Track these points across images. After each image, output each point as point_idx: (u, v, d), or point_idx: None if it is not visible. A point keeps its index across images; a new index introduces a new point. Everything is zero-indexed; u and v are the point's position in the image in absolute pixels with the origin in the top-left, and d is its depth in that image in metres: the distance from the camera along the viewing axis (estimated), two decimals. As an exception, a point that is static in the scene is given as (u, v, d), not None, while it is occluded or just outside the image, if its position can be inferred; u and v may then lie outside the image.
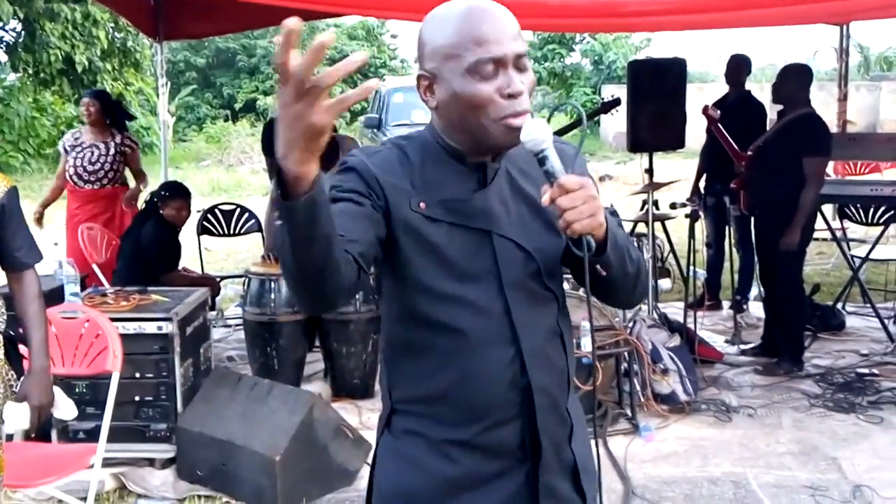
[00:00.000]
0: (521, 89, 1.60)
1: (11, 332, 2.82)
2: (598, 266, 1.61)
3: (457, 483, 1.72)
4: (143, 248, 5.39)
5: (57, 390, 3.05)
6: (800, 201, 5.28)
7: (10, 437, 3.56)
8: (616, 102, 6.60)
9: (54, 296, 4.33)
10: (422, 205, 1.65)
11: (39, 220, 6.36)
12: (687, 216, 6.00)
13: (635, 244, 1.74)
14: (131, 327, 4.19)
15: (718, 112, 6.15)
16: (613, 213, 1.87)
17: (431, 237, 1.65)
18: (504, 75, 1.59)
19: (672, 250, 7.15)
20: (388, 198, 1.64)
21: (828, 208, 7.20)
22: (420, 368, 1.72)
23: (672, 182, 6.57)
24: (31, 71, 18.74)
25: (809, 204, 5.33)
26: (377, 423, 1.85)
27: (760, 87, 12.50)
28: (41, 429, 3.70)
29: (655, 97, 6.17)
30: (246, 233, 7.55)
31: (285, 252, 1.42)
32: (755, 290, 6.85)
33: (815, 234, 5.89)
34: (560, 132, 7.21)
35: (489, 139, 1.63)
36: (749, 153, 5.70)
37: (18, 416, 2.76)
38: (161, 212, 5.44)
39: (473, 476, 1.72)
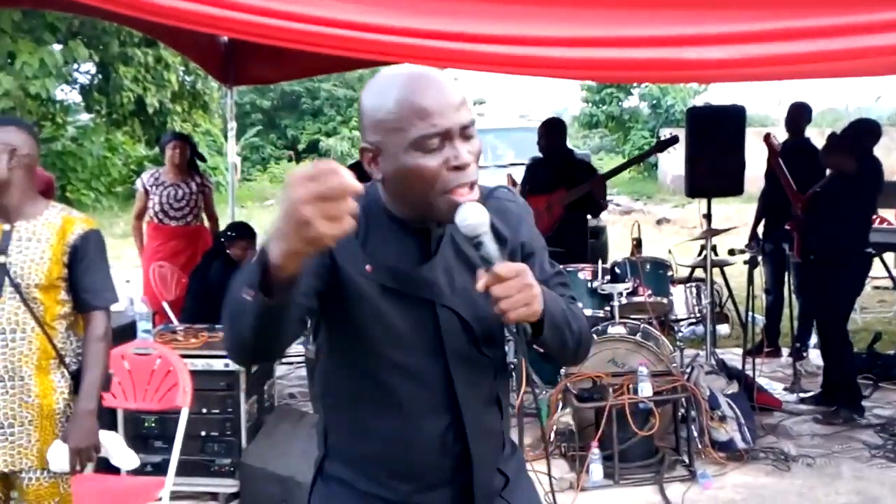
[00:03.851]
0: (468, 160, 1.56)
1: None
2: (534, 345, 1.63)
3: None
4: (211, 286, 5.53)
5: (118, 439, 3.13)
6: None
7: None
8: (673, 140, 6.64)
9: (126, 332, 4.51)
10: (368, 268, 1.64)
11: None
12: (745, 262, 6.00)
13: (577, 312, 1.75)
14: (199, 364, 4.32)
15: (780, 143, 6.14)
16: (559, 273, 1.82)
17: (376, 302, 1.64)
18: (450, 147, 1.55)
19: (730, 296, 7.12)
20: (336, 255, 1.61)
21: (889, 256, 7.12)
22: (356, 421, 1.74)
23: (730, 228, 6.58)
24: (104, 112, 19.35)
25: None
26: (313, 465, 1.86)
27: (821, 132, 12.39)
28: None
29: (714, 143, 6.21)
30: (308, 272, 7.71)
31: (244, 323, 1.45)
32: (815, 338, 6.79)
33: (877, 283, 5.85)
34: (617, 170, 7.30)
35: (434, 213, 1.60)
36: (806, 197, 5.71)
37: (59, 457, 2.81)
38: (227, 251, 5.61)
39: None
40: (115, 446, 3.07)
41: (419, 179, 1.55)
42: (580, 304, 1.87)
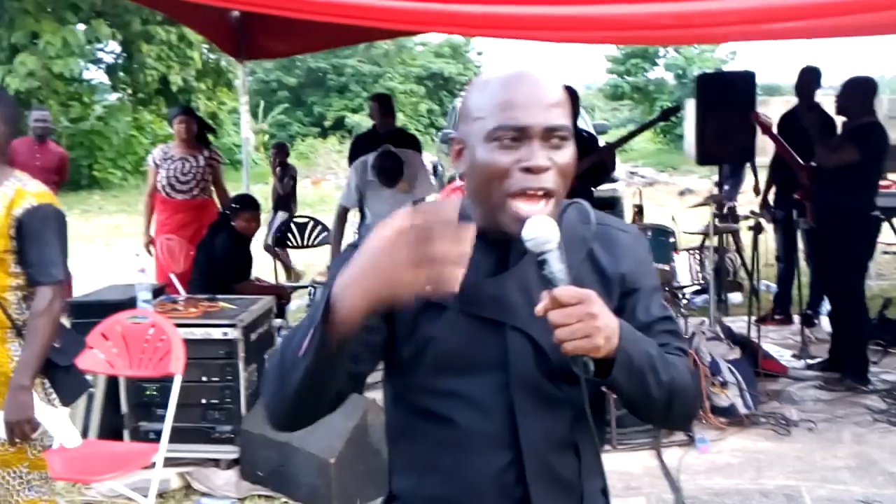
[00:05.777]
0: (543, 164, 1.42)
1: (55, 345, 2.93)
2: (603, 386, 1.47)
3: None
4: (216, 258, 5.61)
5: (63, 416, 3.07)
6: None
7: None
8: (675, 109, 6.63)
9: (133, 303, 4.59)
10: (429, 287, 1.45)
11: (149, 247, 6.59)
12: (750, 228, 5.96)
13: (675, 363, 1.52)
14: (198, 333, 4.38)
15: (769, 119, 6.08)
16: (668, 319, 1.63)
17: (429, 326, 1.48)
18: (527, 147, 1.42)
19: (743, 263, 7.09)
20: None
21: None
22: (417, 458, 1.57)
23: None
24: (129, 91, 19.54)
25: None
26: None
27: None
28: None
29: (724, 110, 6.16)
30: (320, 245, 7.78)
31: (292, 380, 1.36)
32: (827, 305, 6.74)
33: (888, 248, 5.79)
34: (623, 139, 7.26)
35: (497, 219, 1.45)
36: (813, 164, 5.65)
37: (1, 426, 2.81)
38: (232, 223, 5.66)
39: None
40: (55, 423, 2.99)
41: (488, 174, 1.43)
42: None
